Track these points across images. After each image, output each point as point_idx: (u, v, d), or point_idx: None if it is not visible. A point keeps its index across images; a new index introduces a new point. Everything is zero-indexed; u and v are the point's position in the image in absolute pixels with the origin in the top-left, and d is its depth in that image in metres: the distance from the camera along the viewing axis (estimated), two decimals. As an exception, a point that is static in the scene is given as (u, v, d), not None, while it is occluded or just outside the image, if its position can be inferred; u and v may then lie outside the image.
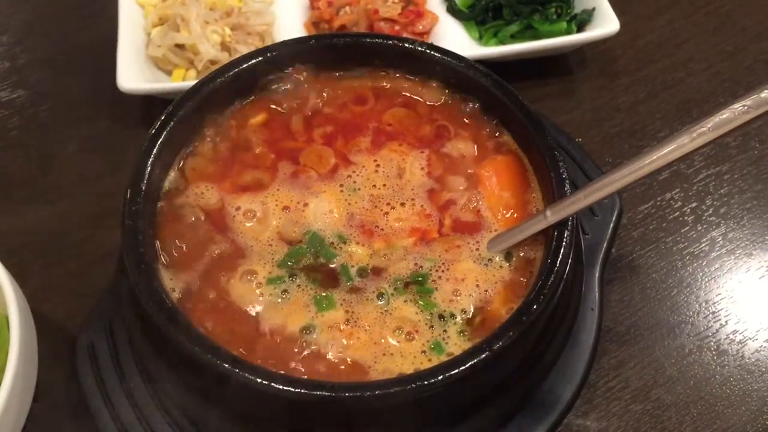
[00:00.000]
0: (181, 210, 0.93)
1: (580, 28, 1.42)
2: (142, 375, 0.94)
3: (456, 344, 0.84)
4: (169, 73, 1.37)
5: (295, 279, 0.88)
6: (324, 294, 0.87)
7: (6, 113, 1.39)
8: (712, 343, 1.12)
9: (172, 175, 0.95)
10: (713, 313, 1.15)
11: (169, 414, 0.92)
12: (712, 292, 1.17)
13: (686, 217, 1.25)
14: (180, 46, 1.36)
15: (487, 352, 0.76)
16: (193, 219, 0.92)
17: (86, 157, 1.32)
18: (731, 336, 1.12)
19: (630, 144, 1.35)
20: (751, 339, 1.12)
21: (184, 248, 0.90)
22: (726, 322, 1.14)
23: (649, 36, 1.51)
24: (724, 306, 1.15)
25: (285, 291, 0.87)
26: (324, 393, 0.74)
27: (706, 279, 1.18)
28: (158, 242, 0.90)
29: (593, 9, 1.40)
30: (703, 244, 1.22)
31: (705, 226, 1.24)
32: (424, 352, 0.83)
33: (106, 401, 0.93)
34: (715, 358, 1.10)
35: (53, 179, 1.29)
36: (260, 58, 1.00)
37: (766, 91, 0.72)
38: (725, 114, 0.74)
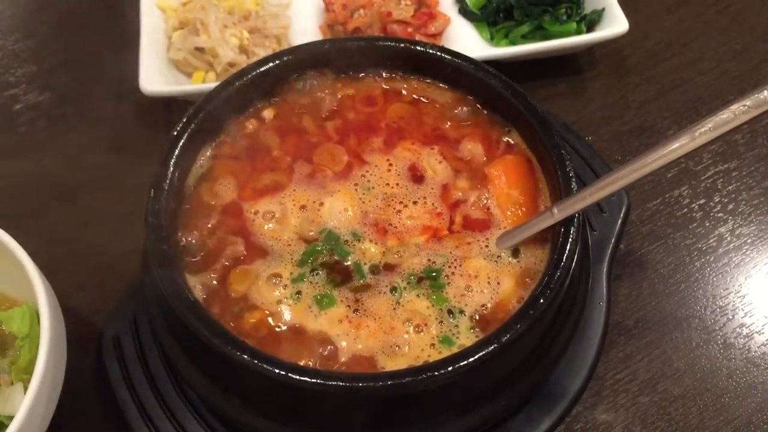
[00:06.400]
0: (201, 209, 0.96)
1: (590, 29, 1.44)
2: (166, 367, 0.98)
3: (466, 337, 0.86)
4: (189, 75, 1.40)
5: (314, 276, 0.90)
6: (324, 293, 0.89)
7: (34, 115, 1.44)
8: (719, 337, 1.14)
9: (194, 175, 0.98)
10: (720, 307, 1.17)
11: (192, 404, 0.96)
12: (719, 286, 1.19)
13: (694, 214, 1.27)
14: (200, 49, 1.39)
15: (495, 344, 0.79)
16: (214, 219, 0.95)
17: (110, 157, 1.36)
18: (738, 330, 1.14)
19: (640, 142, 1.36)
20: (757, 333, 1.14)
21: (205, 247, 0.93)
22: (733, 316, 1.16)
23: (658, 35, 1.52)
24: (731, 300, 1.17)
25: (298, 292, 0.89)
26: (338, 383, 0.76)
27: (714, 274, 1.20)
28: (180, 241, 0.92)
29: (603, 9, 1.42)
30: (711, 240, 1.24)
31: (713, 222, 1.26)
32: (433, 345, 0.86)
33: (131, 391, 0.97)
34: (721, 351, 1.12)
35: (79, 179, 1.33)
36: (277, 62, 1.03)
37: (765, 91, 0.75)
38: (725, 114, 0.76)
